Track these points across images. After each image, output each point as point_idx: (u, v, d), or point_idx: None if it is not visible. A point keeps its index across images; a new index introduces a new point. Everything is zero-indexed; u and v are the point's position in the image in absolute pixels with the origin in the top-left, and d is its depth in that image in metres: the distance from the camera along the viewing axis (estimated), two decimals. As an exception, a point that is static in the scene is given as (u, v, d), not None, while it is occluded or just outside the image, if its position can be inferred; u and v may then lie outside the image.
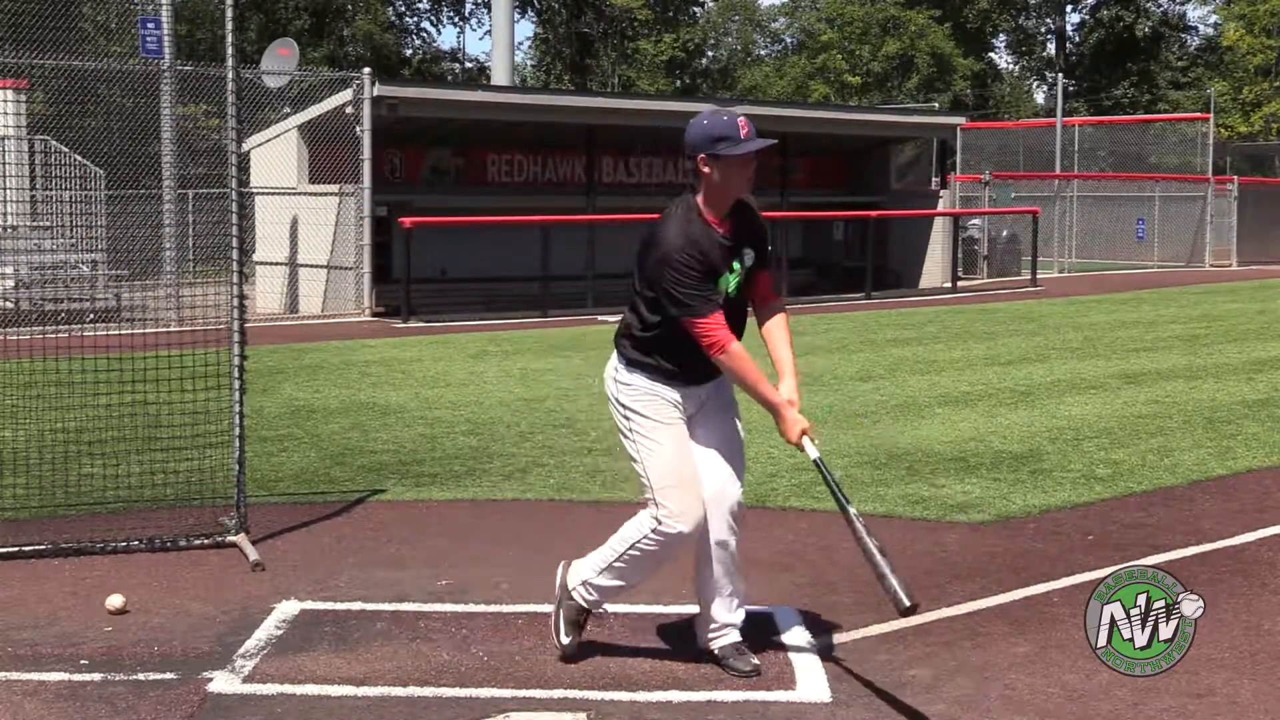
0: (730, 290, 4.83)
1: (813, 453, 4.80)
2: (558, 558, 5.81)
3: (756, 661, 4.96)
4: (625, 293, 5.13)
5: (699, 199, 4.80)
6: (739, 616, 5.04)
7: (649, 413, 4.86)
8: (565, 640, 5.01)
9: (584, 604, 5.02)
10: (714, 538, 4.92)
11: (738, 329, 4.87)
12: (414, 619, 5.53)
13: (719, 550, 4.93)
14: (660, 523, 4.81)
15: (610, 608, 5.13)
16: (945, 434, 9.62)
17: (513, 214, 20.90)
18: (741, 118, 4.74)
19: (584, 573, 5.01)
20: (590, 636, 5.17)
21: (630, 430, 4.92)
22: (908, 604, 4.44)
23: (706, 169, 4.73)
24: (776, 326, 4.96)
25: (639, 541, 4.86)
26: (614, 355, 4.99)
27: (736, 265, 4.83)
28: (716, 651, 5.00)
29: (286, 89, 21.76)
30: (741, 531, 4.99)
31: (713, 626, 5.02)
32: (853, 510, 4.66)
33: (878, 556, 4.52)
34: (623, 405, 4.93)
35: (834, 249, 26.20)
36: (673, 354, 4.83)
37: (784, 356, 4.90)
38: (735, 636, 5.01)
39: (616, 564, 4.91)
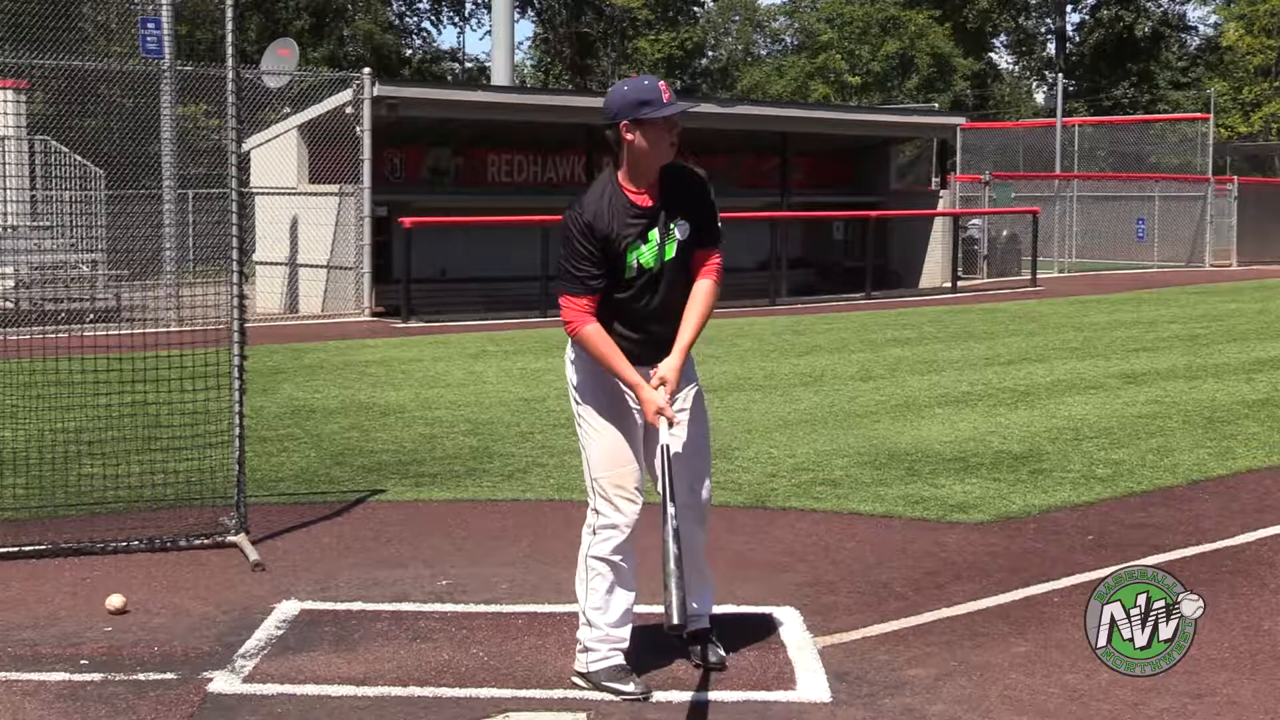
0: (647, 263, 4.73)
1: (664, 437, 4.70)
2: (558, 558, 5.80)
3: (724, 653, 4.97)
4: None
5: (620, 171, 4.78)
6: (707, 606, 5.05)
7: (594, 397, 4.82)
8: (629, 689, 4.73)
9: (598, 669, 4.79)
10: (682, 532, 4.91)
11: (666, 303, 4.77)
12: (414, 619, 5.53)
13: (687, 543, 4.89)
14: (598, 514, 4.80)
15: (620, 631, 4.86)
16: (945, 434, 9.62)
17: (513, 214, 20.89)
18: (662, 82, 4.75)
19: (580, 637, 4.85)
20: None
21: (578, 414, 4.89)
22: (675, 622, 4.36)
23: (630, 135, 4.70)
24: (692, 303, 4.82)
25: (588, 554, 4.81)
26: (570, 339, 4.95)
27: (653, 235, 4.73)
28: (685, 638, 4.94)
29: (286, 89, 21.75)
30: (706, 526, 5.00)
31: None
32: (671, 511, 4.57)
33: (671, 566, 4.43)
34: (573, 387, 4.90)
35: (834, 249, 26.20)
36: (611, 328, 4.74)
37: (683, 332, 4.78)
38: (703, 624, 5.02)
39: (591, 605, 4.81)
